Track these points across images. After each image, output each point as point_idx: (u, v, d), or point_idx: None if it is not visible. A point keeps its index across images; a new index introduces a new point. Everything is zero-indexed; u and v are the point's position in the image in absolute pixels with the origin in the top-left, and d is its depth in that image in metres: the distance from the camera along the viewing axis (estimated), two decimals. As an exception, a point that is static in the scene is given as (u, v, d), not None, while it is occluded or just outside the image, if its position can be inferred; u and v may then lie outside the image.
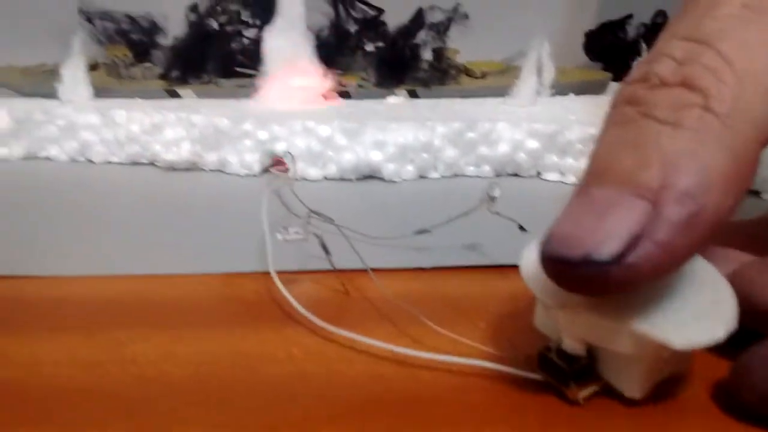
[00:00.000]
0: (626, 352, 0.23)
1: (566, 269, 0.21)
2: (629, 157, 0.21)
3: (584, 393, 0.24)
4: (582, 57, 0.90)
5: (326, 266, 0.35)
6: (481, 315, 0.32)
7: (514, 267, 0.36)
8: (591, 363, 0.25)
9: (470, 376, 0.27)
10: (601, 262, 0.20)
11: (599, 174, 0.22)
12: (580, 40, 0.89)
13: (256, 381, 0.26)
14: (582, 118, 0.56)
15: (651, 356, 0.24)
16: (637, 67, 0.24)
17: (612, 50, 0.89)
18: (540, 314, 0.27)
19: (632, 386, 0.24)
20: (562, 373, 0.24)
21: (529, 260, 0.25)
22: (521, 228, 0.36)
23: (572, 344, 0.24)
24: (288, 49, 0.57)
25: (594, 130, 0.51)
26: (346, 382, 0.26)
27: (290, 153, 0.49)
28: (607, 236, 0.20)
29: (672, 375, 0.25)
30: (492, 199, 0.36)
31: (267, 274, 0.35)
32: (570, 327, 0.24)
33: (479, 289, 0.35)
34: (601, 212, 0.21)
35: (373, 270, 0.34)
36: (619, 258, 0.20)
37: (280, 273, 0.32)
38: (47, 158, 0.58)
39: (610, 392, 0.25)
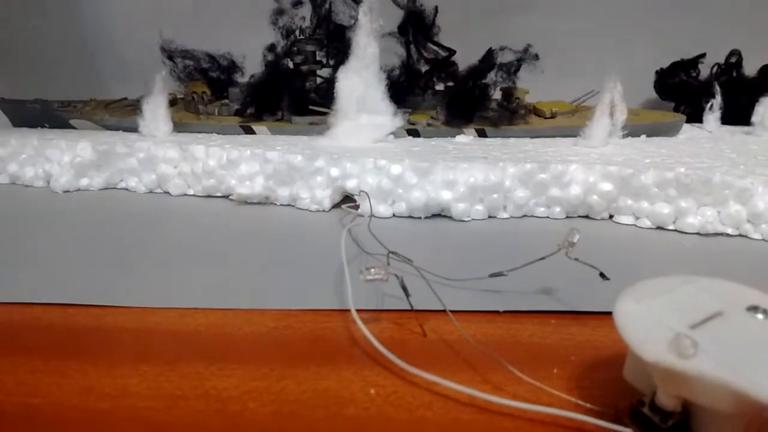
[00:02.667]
0: (725, 410, 0.22)
1: None
2: None
3: (678, 451, 0.23)
4: (653, 97, 0.89)
5: (401, 306, 0.35)
6: (562, 363, 0.31)
7: (591, 314, 0.36)
8: (686, 419, 0.24)
9: (553, 426, 0.26)
10: None
11: None
12: (651, 79, 0.89)
13: (337, 423, 0.26)
14: (657, 161, 0.55)
15: (750, 415, 0.22)
16: None
17: (683, 89, 0.87)
18: (631, 366, 0.26)
19: (728, 445, 0.23)
20: (655, 428, 0.24)
21: (625, 311, 0.25)
22: (603, 276, 0.35)
23: (667, 399, 0.23)
24: (361, 89, 0.58)
25: (670, 174, 0.50)
26: (427, 428, 0.26)
27: (365, 191, 0.50)
28: None
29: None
30: (571, 244, 0.36)
31: (342, 311, 0.35)
32: (667, 382, 0.23)
33: (557, 335, 0.34)
34: None
35: (443, 312, 0.34)
36: None
37: (347, 311, 0.33)
38: (126, 189, 0.60)
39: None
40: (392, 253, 0.36)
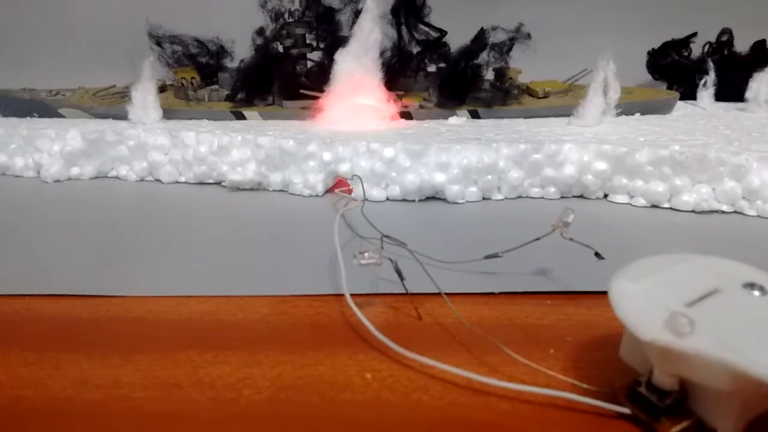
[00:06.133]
0: (723, 387, 0.22)
1: None
2: None
3: (676, 429, 0.23)
4: (646, 76, 0.88)
5: (395, 289, 0.34)
6: (558, 344, 0.31)
7: (587, 294, 0.36)
8: (683, 398, 0.24)
9: (551, 407, 0.26)
10: None
11: None
12: (643, 59, 0.88)
13: (333, 408, 0.26)
14: (651, 139, 0.55)
15: (748, 393, 0.22)
16: None
17: (675, 69, 0.87)
18: (628, 346, 0.26)
19: (726, 422, 0.23)
20: (652, 407, 0.24)
21: (620, 291, 0.25)
22: (598, 255, 0.35)
23: (664, 378, 0.23)
24: (358, 73, 0.58)
25: (665, 152, 0.50)
26: (424, 412, 0.26)
27: (357, 175, 0.49)
28: None
29: (766, 412, 0.24)
30: (566, 224, 0.35)
31: (337, 296, 0.35)
32: (663, 361, 0.23)
33: (552, 316, 0.34)
34: None
35: (438, 295, 0.34)
36: None
37: (341, 296, 0.33)
38: (117, 178, 0.60)
39: (701, 428, 0.24)
40: (386, 236, 0.36)
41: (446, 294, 0.34)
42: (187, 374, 0.28)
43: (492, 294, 0.36)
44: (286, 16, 0.65)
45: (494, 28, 0.67)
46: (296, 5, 0.65)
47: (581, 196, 0.54)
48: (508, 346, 0.29)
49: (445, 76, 0.66)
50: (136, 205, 0.53)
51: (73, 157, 0.59)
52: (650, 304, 0.24)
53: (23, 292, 0.36)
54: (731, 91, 0.77)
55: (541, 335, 0.32)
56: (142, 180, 0.59)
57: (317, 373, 0.28)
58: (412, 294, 0.34)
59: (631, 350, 0.26)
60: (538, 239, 0.36)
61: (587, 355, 0.30)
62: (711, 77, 0.75)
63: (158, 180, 0.59)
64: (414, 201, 0.53)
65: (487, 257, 0.37)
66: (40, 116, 0.68)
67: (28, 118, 0.68)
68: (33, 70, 0.74)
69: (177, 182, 0.58)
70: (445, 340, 0.31)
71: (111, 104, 0.67)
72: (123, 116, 0.63)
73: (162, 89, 0.68)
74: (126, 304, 0.35)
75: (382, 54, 0.63)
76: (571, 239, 0.35)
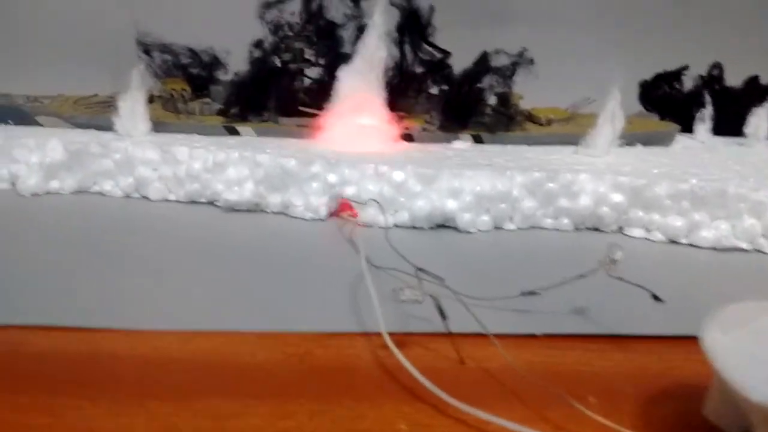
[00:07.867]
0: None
1: None
2: None
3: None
4: (636, 107, 0.88)
5: (426, 328, 0.31)
6: (618, 395, 0.28)
7: (632, 338, 0.33)
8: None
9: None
10: None
11: None
12: (633, 90, 0.88)
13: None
14: (665, 172, 0.53)
15: None
16: None
17: (667, 101, 0.87)
18: (716, 403, 0.23)
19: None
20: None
21: (716, 345, 0.22)
22: (656, 298, 0.33)
23: (769, 444, 0.21)
24: (361, 91, 0.55)
25: (685, 186, 0.48)
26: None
27: (375, 200, 0.46)
28: None
29: None
30: (613, 261, 0.33)
31: (366, 335, 0.32)
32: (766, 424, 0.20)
33: (601, 362, 0.31)
34: None
35: (477, 335, 0.31)
36: None
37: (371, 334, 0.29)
38: (100, 193, 0.55)
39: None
40: (419, 269, 0.33)
41: (483, 335, 0.31)
42: (212, 428, 0.24)
43: (531, 336, 0.33)
44: (286, 28, 0.62)
45: (497, 52, 0.65)
46: (296, 18, 0.63)
47: (595, 229, 0.52)
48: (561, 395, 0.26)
49: (448, 99, 0.64)
50: (121, 224, 0.49)
51: (53, 169, 0.54)
52: (752, 360, 0.22)
53: (8, 322, 0.32)
54: (725, 124, 0.77)
55: (596, 385, 0.29)
56: (128, 196, 0.55)
57: (362, 428, 0.25)
58: (450, 334, 0.31)
59: (720, 408, 0.23)
60: (582, 276, 0.34)
61: (655, 409, 0.27)
62: (708, 111, 0.75)
63: (146, 197, 0.54)
64: (422, 228, 0.50)
65: (524, 294, 0.35)
66: (15, 124, 0.63)
67: (2, 125, 0.63)
68: (10, 74, 0.69)
69: (166, 200, 0.54)
70: (494, 389, 0.28)
71: (93, 114, 0.63)
72: (107, 127, 0.59)
73: (149, 100, 0.64)
74: (125, 338, 0.31)
75: (384, 73, 0.61)
76: (621, 278, 0.33)
